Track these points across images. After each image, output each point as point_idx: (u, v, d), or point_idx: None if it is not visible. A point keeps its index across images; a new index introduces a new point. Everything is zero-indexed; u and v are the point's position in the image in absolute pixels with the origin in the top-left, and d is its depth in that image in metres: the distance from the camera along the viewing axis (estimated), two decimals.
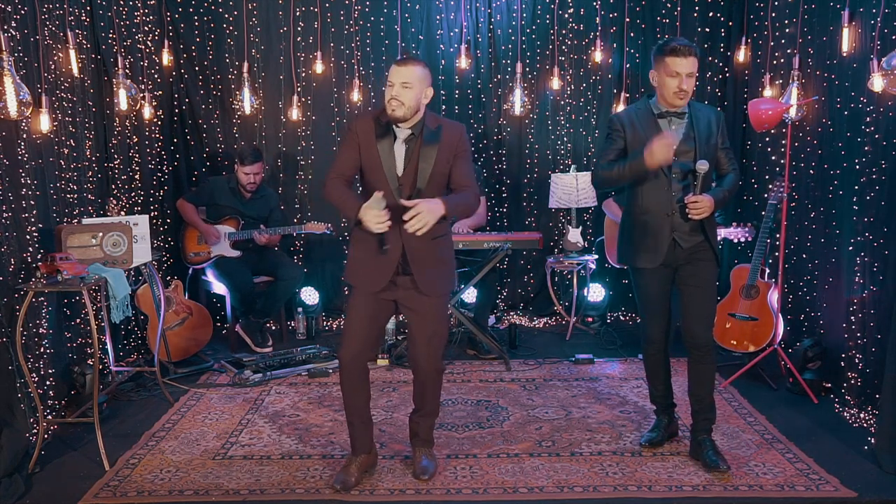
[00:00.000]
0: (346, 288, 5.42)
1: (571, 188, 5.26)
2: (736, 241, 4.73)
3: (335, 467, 3.30)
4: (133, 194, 4.97)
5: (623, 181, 3.22)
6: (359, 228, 2.97)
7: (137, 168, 5.02)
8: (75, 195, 4.21)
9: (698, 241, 3.22)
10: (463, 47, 5.46)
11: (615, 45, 5.56)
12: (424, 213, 2.78)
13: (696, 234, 3.22)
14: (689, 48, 3.09)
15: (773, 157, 4.81)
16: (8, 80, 3.29)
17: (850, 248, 3.87)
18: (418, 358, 3.16)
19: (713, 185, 3.30)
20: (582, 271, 5.47)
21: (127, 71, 4.68)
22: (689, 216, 3.12)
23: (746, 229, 4.64)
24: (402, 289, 3.07)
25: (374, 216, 2.82)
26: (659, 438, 3.48)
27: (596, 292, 5.61)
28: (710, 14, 5.42)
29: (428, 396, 3.25)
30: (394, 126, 2.99)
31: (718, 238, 4.66)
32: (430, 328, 3.12)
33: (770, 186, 4.33)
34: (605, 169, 3.21)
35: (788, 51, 4.62)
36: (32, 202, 3.67)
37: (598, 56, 5.50)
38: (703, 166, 3.11)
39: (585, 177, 5.24)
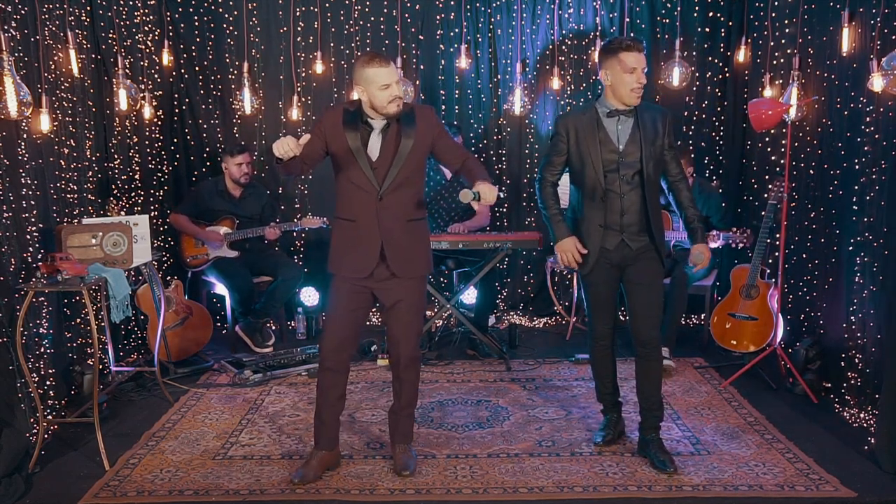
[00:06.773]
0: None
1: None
2: (734, 245, 4.72)
3: (335, 467, 3.30)
4: (133, 194, 4.97)
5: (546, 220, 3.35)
6: (339, 219, 3.10)
7: (137, 168, 5.02)
8: (75, 195, 4.22)
9: (646, 243, 3.23)
10: (463, 47, 5.46)
11: None
12: (488, 187, 2.89)
13: (643, 235, 3.22)
14: (640, 43, 3.17)
15: (773, 157, 4.81)
16: (8, 80, 3.29)
17: (850, 248, 3.87)
18: (397, 344, 3.17)
19: (685, 201, 3.31)
20: None
21: (127, 71, 4.69)
22: (696, 268, 3.24)
23: (745, 235, 4.62)
24: (379, 279, 3.09)
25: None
26: (610, 437, 3.49)
27: None
28: (710, 14, 5.41)
29: (405, 386, 3.24)
30: (368, 118, 3.02)
31: (719, 245, 4.69)
32: (406, 313, 3.13)
33: (770, 186, 4.33)
34: (544, 195, 3.31)
35: (788, 51, 4.62)
36: (32, 202, 3.68)
37: (598, 56, 5.48)
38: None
39: None
